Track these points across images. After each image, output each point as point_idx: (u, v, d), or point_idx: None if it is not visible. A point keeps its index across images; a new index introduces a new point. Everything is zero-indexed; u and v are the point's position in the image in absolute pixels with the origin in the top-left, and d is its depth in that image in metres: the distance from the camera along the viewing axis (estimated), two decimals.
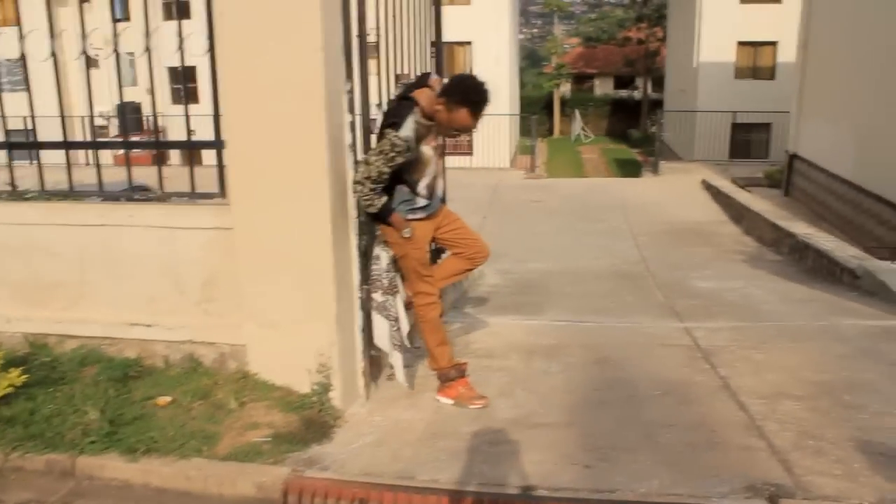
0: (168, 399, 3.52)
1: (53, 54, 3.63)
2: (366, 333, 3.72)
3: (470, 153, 26.07)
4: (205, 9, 3.20)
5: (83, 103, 3.83)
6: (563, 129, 40.35)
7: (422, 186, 3.58)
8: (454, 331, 5.49)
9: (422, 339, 3.96)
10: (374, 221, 3.62)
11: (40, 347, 3.95)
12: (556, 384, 4.27)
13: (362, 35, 3.39)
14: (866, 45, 11.73)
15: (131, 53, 3.57)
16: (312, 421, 3.44)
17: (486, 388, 4.12)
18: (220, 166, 3.52)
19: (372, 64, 3.85)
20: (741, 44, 24.90)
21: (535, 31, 75.96)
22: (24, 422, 3.37)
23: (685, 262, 9.48)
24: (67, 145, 3.75)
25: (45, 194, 3.93)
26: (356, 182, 3.39)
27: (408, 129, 3.35)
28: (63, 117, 4.01)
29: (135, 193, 3.77)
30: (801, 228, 9.78)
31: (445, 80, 3.64)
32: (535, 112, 38.38)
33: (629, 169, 27.88)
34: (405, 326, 3.72)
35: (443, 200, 4.15)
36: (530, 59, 62.16)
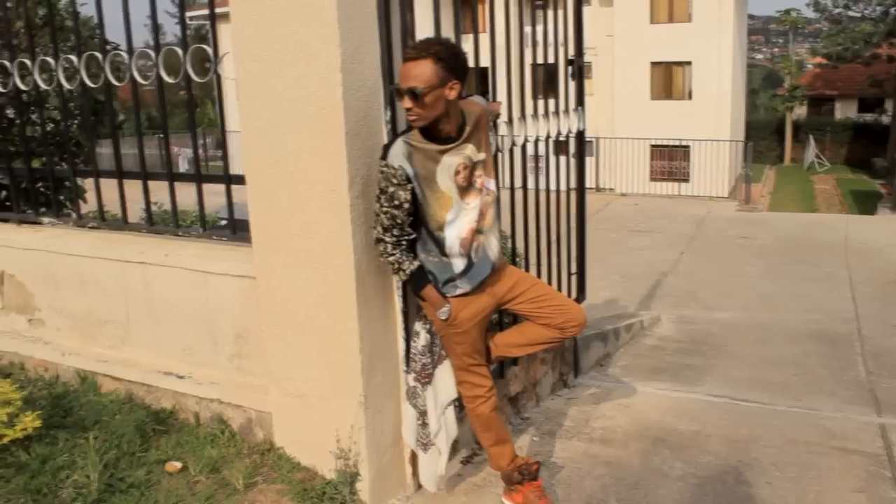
0: (179, 466, 3.07)
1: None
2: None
3: (685, 180, 24.50)
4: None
5: None
6: (794, 157, 37.04)
7: (450, 237, 2.71)
8: (584, 397, 4.66)
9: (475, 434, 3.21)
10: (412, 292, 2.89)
11: (88, 385, 3.68)
12: (666, 498, 3.34)
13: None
14: None
15: None
16: None
17: (574, 492, 3.31)
18: None
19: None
20: None
21: (776, 50, 71.05)
22: (34, 471, 3.07)
23: None
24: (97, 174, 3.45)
25: (104, 225, 3.66)
26: (376, 241, 2.69)
27: (395, 151, 2.59)
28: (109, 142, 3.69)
29: (179, 228, 3.37)
30: None
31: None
32: (765, 137, 35.56)
33: (867, 203, 24.91)
34: (435, 425, 2.95)
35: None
36: (768, 81, 58.20)
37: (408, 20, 2.70)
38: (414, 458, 3.10)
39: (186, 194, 3.79)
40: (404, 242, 2.67)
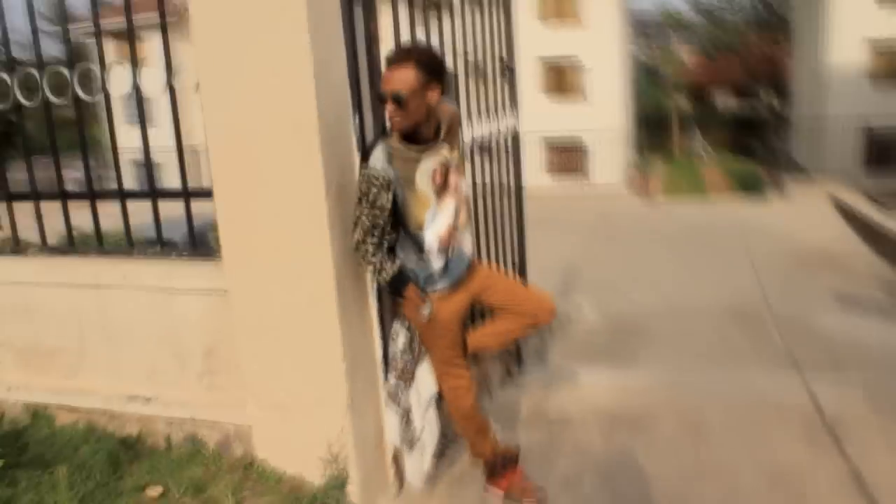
0: (159, 490, 3.00)
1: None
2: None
3: (581, 173, 25.21)
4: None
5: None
6: (681, 146, 38.68)
7: (429, 237, 2.79)
8: (533, 386, 4.79)
9: (456, 428, 3.27)
10: (390, 294, 2.96)
11: (41, 419, 3.54)
12: (637, 470, 3.50)
13: (374, 58, 2.77)
14: None
15: None
16: None
17: (549, 475, 3.42)
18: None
19: None
20: (877, 46, 22.78)
21: (657, 45, 73.91)
22: None
23: (811, 297, 8.35)
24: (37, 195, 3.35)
25: (46, 249, 3.53)
26: (356, 245, 2.73)
27: (377, 155, 2.66)
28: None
29: (134, 249, 3.30)
30: None
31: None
32: (652, 129, 36.99)
33: (753, 187, 26.24)
34: (420, 422, 3.02)
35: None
36: (647, 74, 60.51)
37: (371, 28, 2.75)
38: (398, 456, 3.14)
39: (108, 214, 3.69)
40: (385, 245, 2.72)
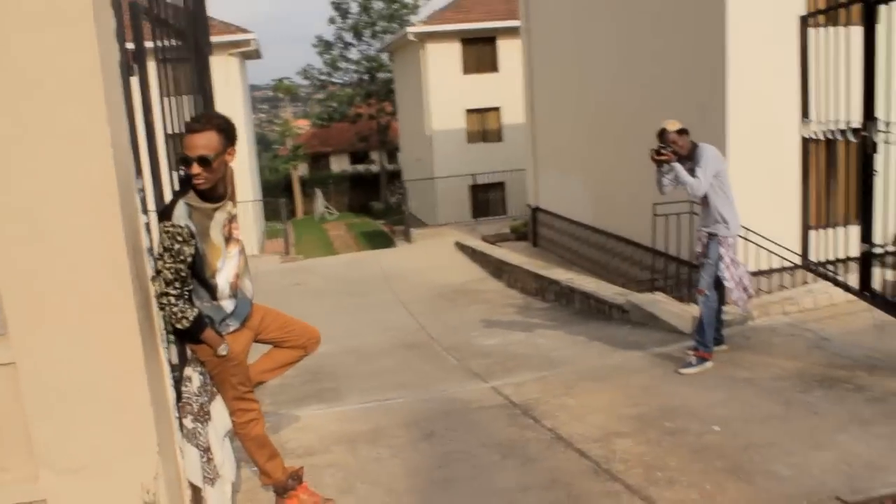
0: None
1: None
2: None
3: None
4: None
5: None
6: (306, 209, 40.37)
7: (221, 282, 3.13)
8: None
9: (249, 457, 3.55)
10: (185, 340, 3.19)
11: None
12: (394, 470, 4.06)
13: (150, 124, 3.04)
14: (578, 104, 13.02)
15: None
16: None
17: (323, 489, 3.82)
18: None
19: None
20: (469, 111, 26.37)
21: (263, 115, 76.21)
22: None
23: (463, 323, 9.64)
24: None
25: None
26: (159, 296, 2.96)
27: (179, 212, 2.96)
28: None
29: None
30: (562, 275, 10.40)
31: None
32: (276, 195, 38.11)
33: (378, 241, 28.33)
34: (220, 456, 3.28)
35: None
36: (261, 144, 62.23)
37: (146, 97, 3.01)
38: (195, 496, 3.31)
39: None
40: (186, 293, 2.97)
